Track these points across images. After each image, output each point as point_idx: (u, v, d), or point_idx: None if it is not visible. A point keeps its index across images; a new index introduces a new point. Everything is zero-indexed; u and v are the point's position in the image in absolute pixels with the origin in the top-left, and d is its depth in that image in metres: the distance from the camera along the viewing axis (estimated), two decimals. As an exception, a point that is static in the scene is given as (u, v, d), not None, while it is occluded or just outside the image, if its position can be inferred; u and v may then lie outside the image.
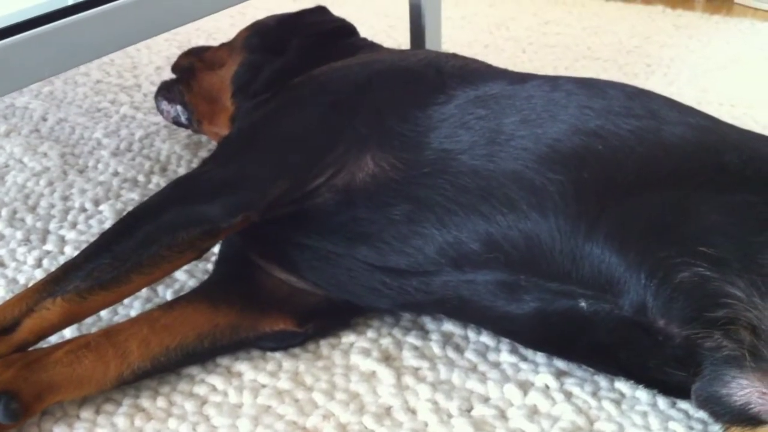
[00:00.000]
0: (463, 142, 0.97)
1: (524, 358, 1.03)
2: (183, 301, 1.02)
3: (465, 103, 1.02)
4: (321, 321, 1.05)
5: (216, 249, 1.14)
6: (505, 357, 1.03)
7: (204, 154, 1.48)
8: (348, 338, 1.06)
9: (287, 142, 1.04)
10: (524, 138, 0.95)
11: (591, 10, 2.26)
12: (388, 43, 1.88)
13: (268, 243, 1.05)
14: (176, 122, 1.46)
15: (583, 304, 0.90)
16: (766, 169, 0.90)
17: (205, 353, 0.99)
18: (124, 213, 1.26)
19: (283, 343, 1.03)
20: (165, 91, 1.45)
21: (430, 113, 1.01)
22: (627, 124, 0.95)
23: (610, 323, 0.89)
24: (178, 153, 1.49)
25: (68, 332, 1.02)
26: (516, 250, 0.91)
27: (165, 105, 1.45)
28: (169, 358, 0.96)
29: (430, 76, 1.08)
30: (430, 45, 1.46)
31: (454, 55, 1.19)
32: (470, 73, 1.09)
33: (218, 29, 2.06)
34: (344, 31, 1.36)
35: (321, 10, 1.40)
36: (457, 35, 2.04)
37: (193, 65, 1.42)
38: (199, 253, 0.98)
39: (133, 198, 1.34)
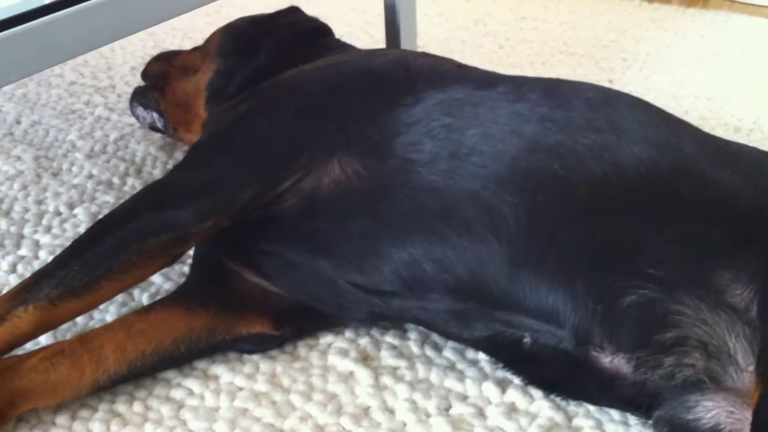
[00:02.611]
0: (426, 153, 0.96)
1: (502, 356, 1.03)
2: (158, 305, 1.01)
3: (432, 106, 1.00)
4: (298, 323, 1.04)
5: (192, 252, 1.13)
6: (483, 355, 1.02)
7: (179, 155, 1.47)
8: (326, 339, 1.05)
9: (256, 146, 1.03)
10: (484, 154, 0.94)
11: (568, 6, 2.26)
12: (364, 40, 1.89)
13: (239, 248, 1.04)
14: (153, 128, 1.46)
15: (527, 338, 0.89)
16: (722, 198, 0.89)
17: (181, 357, 0.98)
18: (99, 216, 1.27)
19: (261, 345, 1.02)
20: (140, 97, 1.44)
21: (397, 116, 1.00)
22: (586, 138, 0.93)
23: (556, 357, 0.88)
24: (154, 154, 1.48)
25: (43, 339, 1.01)
26: (468, 273, 0.89)
27: (141, 111, 1.44)
28: (145, 363, 0.95)
29: (399, 76, 1.07)
30: (405, 42, 1.45)
31: (425, 54, 1.18)
32: (439, 74, 1.08)
33: (194, 28, 2.05)
34: (318, 31, 1.35)
35: (294, 11, 1.39)
36: (433, 32, 2.04)
37: (166, 72, 1.41)
38: (171, 259, 0.97)
39: (108, 201, 1.33)
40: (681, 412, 0.82)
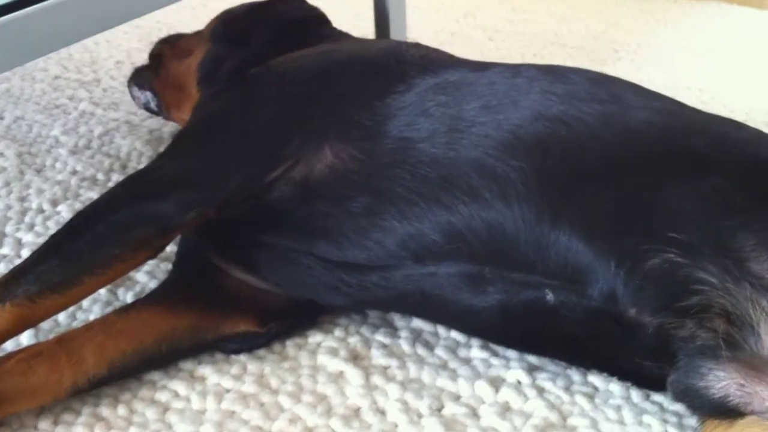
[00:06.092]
0: (423, 130, 0.95)
1: (495, 354, 1.01)
2: (140, 304, 0.99)
3: (425, 90, 0.99)
4: (284, 320, 1.02)
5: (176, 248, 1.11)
6: (476, 353, 1.01)
7: (166, 150, 1.45)
8: (315, 338, 1.03)
9: (242, 134, 1.01)
10: (485, 125, 0.93)
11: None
12: (353, 33, 1.85)
13: (226, 241, 1.02)
14: (147, 108, 1.44)
15: (549, 295, 0.87)
16: (734, 152, 0.89)
17: (164, 358, 0.96)
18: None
19: (246, 344, 1.00)
20: (137, 77, 1.43)
21: (389, 102, 0.99)
22: (591, 109, 0.93)
23: (578, 314, 0.87)
24: (139, 149, 1.45)
25: (25, 339, 0.99)
26: (479, 240, 0.88)
27: (136, 91, 1.43)
28: (126, 364, 0.93)
29: (390, 65, 1.05)
30: (395, 34, 1.43)
31: (416, 45, 1.16)
32: (431, 61, 1.07)
33: (179, 21, 2.01)
34: (314, 20, 1.33)
35: None
36: (423, 24, 2.02)
37: (163, 52, 1.40)
38: (154, 252, 0.95)
39: (92, 197, 1.30)
40: (694, 378, 0.81)
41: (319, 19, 1.34)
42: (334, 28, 1.33)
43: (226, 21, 1.33)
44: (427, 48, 1.15)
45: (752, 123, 1.54)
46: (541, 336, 0.92)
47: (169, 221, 0.92)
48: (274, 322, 1.01)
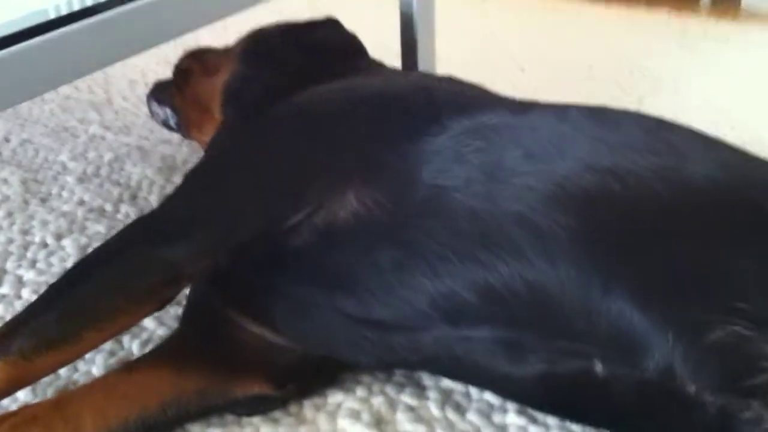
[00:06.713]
0: (459, 178, 0.86)
1: (534, 420, 0.92)
2: (143, 363, 0.91)
3: (460, 133, 0.91)
4: (301, 381, 0.93)
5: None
6: (513, 419, 0.92)
7: (178, 179, 1.37)
8: (335, 398, 0.94)
9: (259, 175, 0.92)
10: (528, 175, 0.84)
11: (590, 20, 2.16)
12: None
13: (240, 290, 0.93)
14: (166, 125, 1.38)
15: (598, 365, 0.79)
16: None
17: (169, 423, 0.87)
18: (89, 249, 1.17)
19: (260, 408, 0.91)
20: (157, 92, 1.37)
21: (422, 145, 0.90)
22: (645, 161, 0.83)
23: (631, 387, 0.78)
24: (150, 178, 1.37)
25: (21, 394, 0.91)
26: (519, 303, 0.80)
27: (155, 107, 1.37)
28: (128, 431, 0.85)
29: (422, 103, 0.97)
30: (423, 65, 1.35)
31: (450, 79, 1.08)
32: (467, 100, 0.98)
33: (197, 42, 1.94)
34: (351, 49, 1.25)
35: (331, 24, 1.27)
36: (450, 52, 1.93)
37: (190, 68, 1.32)
38: (162, 303, 0.87)
39: (99, 231, 1.22)
40: None
41: (355, 48, 1.26)
42: (372, 59, 1.25)
43: (260, 41, 1.25)
44: (461, 83, 1.07)
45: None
46: (588, 407, 0.84)
47: (177, 269, 0.84)
48: (291, 383, 0.92)
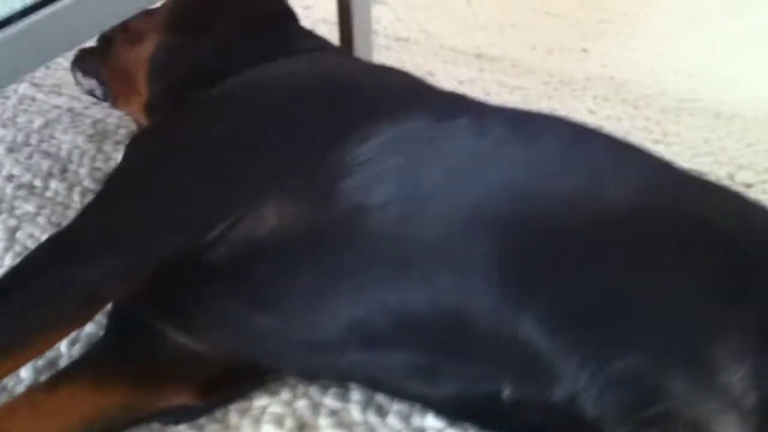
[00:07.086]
0: (377, 196, 0.85)
1: (452, 423, 0.94)
2: (66, 379, 0.91)
3: (384, 143, 0.88)
4: (227, 389, 0.95)
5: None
6: (431, 422, 0.94)
7: (109, 148, 1.34)
8: (260, 401, 0.96)
9: (180, 185, 0.90)
10: (445, 198, 0.84)
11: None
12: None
13: (163, 300, 0.93)
14: (93, 95, 1.34)
15: (507, 390, 0.81)
16: (715, 243, 0.80)
17: None
18: (17, 233, 1.16)
19: (185, 417, 0.93)
20: (81, 62, 1.31)
21: (346, 154, 0.88)
22: (561, 184, 0.84)
23: (539, 411, 0.80)
24: (81, 147, 1.35)
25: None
26: (433, 329, 0.81)
27: (80, 77, 1.32)
28: None
29: (350, 102, 0.94)
30: (358, 34, 1.31)
31: (383, 68, 1.05)
32: (397, 100, 0.96)
33: None
34: (280, 15, 1.20)
35: None
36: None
37: (112, 35, 1.26)
38: (82, 323, 0.87)
39: (29, 211, 1.20)
40: None
41: (285, 14, 1.21)
42: (302, 28, 1.21)
43: (184, 7, 1.20)
44: (391, 74, 1.05)
45: (741, 119, 1.45)
46: (501, 426, 0.86)
47: (94, 290, 0.83)
48: (216, 392, 0.93)
